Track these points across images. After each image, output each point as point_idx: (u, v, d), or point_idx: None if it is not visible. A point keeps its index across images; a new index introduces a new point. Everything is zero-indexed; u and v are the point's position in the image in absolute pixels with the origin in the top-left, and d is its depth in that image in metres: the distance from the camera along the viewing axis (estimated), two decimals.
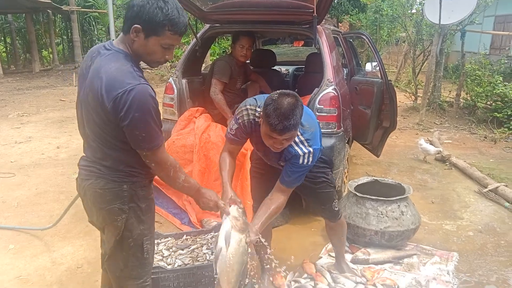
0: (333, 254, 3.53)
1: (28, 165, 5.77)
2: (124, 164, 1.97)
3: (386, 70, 4.85)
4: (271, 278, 3.01)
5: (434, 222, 4.24)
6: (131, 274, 2.09)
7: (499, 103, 8.63)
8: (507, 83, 8.76)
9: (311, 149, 2.37)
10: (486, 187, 5.01)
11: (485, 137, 7.86)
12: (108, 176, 1.96)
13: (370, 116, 4.72)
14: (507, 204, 4.60)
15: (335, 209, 2.88)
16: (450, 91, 10.31)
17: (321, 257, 3.50)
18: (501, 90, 8.59)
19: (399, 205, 3.50)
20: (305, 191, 2.83)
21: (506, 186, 4.95)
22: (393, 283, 3.00)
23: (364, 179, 3.99)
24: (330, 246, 3.69)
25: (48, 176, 5.35)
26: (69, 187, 4.82)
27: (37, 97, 11.68)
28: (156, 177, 2.19)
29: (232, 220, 2.21)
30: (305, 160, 2.38)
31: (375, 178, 4.04)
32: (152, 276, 2.55)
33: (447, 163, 6.16)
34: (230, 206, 2.28)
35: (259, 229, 2.37)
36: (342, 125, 4.09)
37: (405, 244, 3.66)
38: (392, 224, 3.44)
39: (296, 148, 2.37)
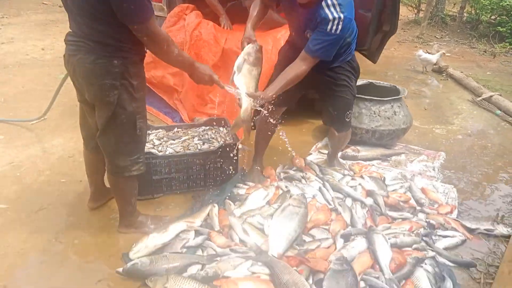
0: (323, 151, 3.60)
1: (13, 64, 5.56)
2: (113, 39, 1.88)
3: None
4: (258, 168, 3.06)
5: (425, 126, 4.27)
6: (124, 150, 2.10)
7: (504, 17, 8.31)
8: None
9: (341, 15, 2.21)
10: (480, 96, 5.00)
11: (485, 51, 7.69)
12: (98, 51, 1.89)
13: (370, 19, 4.48)
14: (498, 111, 4.62)
15: (347, 119, 2.83)
16: (454, 4, 9.86)
17: (311, 154, 3.56)
18: (508, 3, 8.20)
19: (392, 106, 3.48)
20: (324, 91, 2.76)
21: (500, 95, 4.93)
22: (379, 176, 3.09)
23: (359, 82, 3.90)
24: (320, 144, 3.75)
25: (35, 75, 5.19)
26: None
27: None
28: (146, 75, 2.16)
29: (245, 56, 2.27)
30: (334, 27, 2.22)
31: (370, 81, 3.96)
32: None
33: (444, 74, 6.07)
34: (246, 44, 2.32)
35: (276, 92, 2.35)
36: None
37: (395, 144, 3.72)
38: (383, 123, 3.44)
39: (327, 11, 2.21)
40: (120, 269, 2.07)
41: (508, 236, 2.47)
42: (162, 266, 2.06)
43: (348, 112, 2.80)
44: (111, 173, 2.20)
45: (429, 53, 6.78)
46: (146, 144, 2.79)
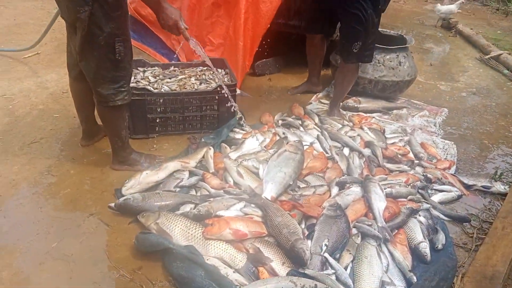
0: (323, 101, 3.51)
1: None
2: None
3: None
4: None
5: (429, 82, 4.16)
6: (106, 76, 2.02)
7: None
8: None
9: None
10: (488, 55, 4.83)
11: (497, 10, 7.37)
12: None
13: None
14: (506, 71, 4.49)
15: (354, 50, 2.77)
16: None
17: (311, 103, 3.47)
18: None
19: (397, 55, 3.34)
20: (338, 16, 2.85)
21: (510, 54, 4.77)
22: (379, 128, 3.03)
23: None
24: (321, 94, 3.65)
25: (27, 9, 4.96)
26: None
27: None
28: (143, 12, 2.05)
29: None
30: None
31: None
32: (137, 98, 2.52)
33: (453, 31, 5.85)
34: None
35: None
36: None
37: (397, 97, 3.62)
38: (387, 73, 3.33)
39: None
40: (112, 204, 2.06)
41: (504, 194, 2.46)
42: (155, 203, 2.05)
43: (356, 43, 2.76)
44: (96, 102, 2.13)
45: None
46: (141, 81, 2.72)
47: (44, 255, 1.79)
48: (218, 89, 2.65)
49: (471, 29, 5.72)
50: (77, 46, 1.96)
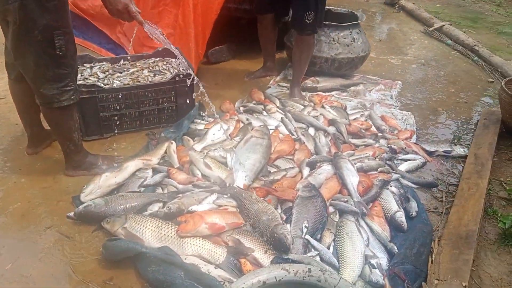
0: (282, 84, 3.46)
1: None
2: None
3: None
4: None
5: (380, 57, 4.23)
6: (47, 75, 1.81)
7: None
8: None
9: None
10: (431, 27, 5.01)
11: None
12: None
13: None
14: (449, 41, 4.67)
15: (307, 21, 2.78)
16: None
17: (270, 87, 3.41)
18: None
19: (351, 32, 3.35)
20: None
21: (451, 25, 4.97)
22: (340, 105, 3.02)
23: None
24: (278, 77, 3.60)
25: None
26: None
27: None
28: (83, 6, 1.83)
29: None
30: None
31: (328, 7, 3.77)
32: (87, 96, 2.32)
33: (396, 6, 6.01)
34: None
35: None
36: None
37: (353, 74, 3.65)
38: (343, 50, 3.33)
39: None
40: (71, 213, 1.88)
41: (464, 156, 2.54)
42: (119, 206, 1.89)
43: (308, 13, 2.76)
44: (40, 104, 1.92)
45: None
46: (89, 77, 2.51)
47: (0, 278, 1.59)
48: (176, 78, 2.51)
49: (413, 3, 5.91)
50: (10, 42, 1.75)
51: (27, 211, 1.95)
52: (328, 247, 1.77)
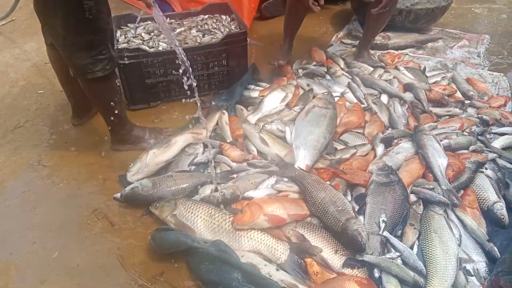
0: (345, 41, 3.03)
1: None
2: None
3: None
4: (276, 63, 2.56)
5: (462, 5, 3.60)
6: (78, 42, 1.58)
7: None
8: None
9: None
10: None
11: None
12: None
13: None
14: None
15: None
16: None
17: (332, 45, 3.00)
18: None
19: None
20: None
21: None
22: (417, 65, 2.58)
23: None
24: (341, 33, 3.16)
25: None
26: None
27: None
28: None
29: None
30: None
31: None
32: (131, 61, 2.10)
33: None
34: None
35: None
36: None
37: (429, 28, 3.12)
38: (421, 0, 2.81)
39: None
40: (118, 195, 1.71)
41: None
42: (168, 188, 1.71)
43: None
44: (73, 75, 1.71)
45: None
46: (133, 39, 2.28)
47: (45, 270, 1.47)
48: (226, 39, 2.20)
49: None
50: (36, 5, 1.53)
51: (73, 190, 1.81)
52: (412, 247, 1.47)
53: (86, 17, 1.51)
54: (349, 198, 1.67)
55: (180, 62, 1.69)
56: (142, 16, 2.44)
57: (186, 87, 1.71)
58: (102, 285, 1.44)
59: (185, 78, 1.68)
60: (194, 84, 1.70)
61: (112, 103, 1.78)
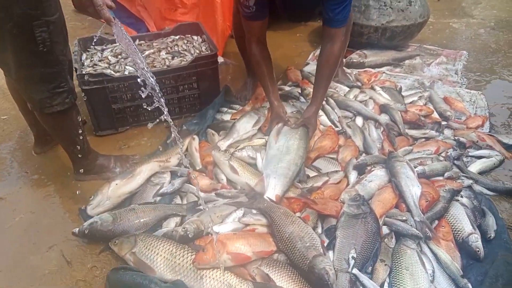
0: None
1: None
2: None
3: None
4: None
5: (440, 20, 3.61)
6: (33, 75, 1.48)
7: None
8: None
9: None
10: None
11: None
12: None
13: None
14: None
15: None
16: None
17: (308, 63, 2.95)
18: None
19: None
20: None
21: None
22: (393, 85, 2.54)
23: None
24: (318, 51, 3.11)
25: None
26: None
27: None
28: None
29: None
30: None
31: None
32: (96, 86, 2.01)
33: None
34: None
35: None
36: None
37: (407, 45, 3.10)
38: (396, 17, 2.79)
39: None
40: (77, 230, 1.61)
41: None
42: (129, 223, 1.61)
43: None
44: (30, 108, 1.61)
45: None
46: (99, 63, 2.20)
47: None
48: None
49: None
50: None
51: (30, 224, 1.71)
52: (382, 285, 1.40)
53: (40, 50, 1.42)
54: (320, 230, 1.60)
55: (142, 83, 1.58)
56: (102, 35, 2.36)
57: (151, 108, 1.59)
58: None
59: (154, 99, 1.57)
60: (163, 100, 1.57)
61: (72, 135, 1.69)
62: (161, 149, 2.05)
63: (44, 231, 1.68)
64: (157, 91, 1.54)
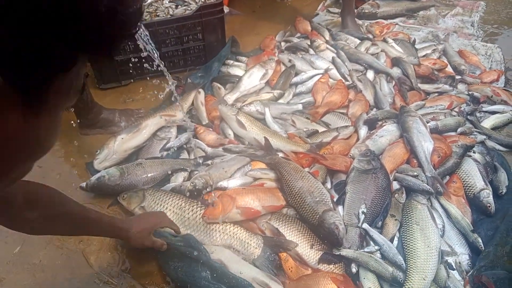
0: (332, 9, 2.85)
1: None
2: None
3: None
4: None
5: None
6: None
7: None
8: None
9: None
10: None
11: None
12: None
13: None
14: None
15: None
16: None
17: (318, 14, 2.82)
18: None
19: None
20: None
21: None
22: (406, 37, 2.43)
23: None
24: (328, 1, 2.97)
25: None
26: None
27: None
28: None
29: None
30: None
31: None
32: None
33: None
34: None
35: None
36: None
37: None
38: None
39: None
40: (84, 184, 1.61)
41: None
42: (137, 177, 1.60)
43: None
44: None
45: None
46: None
47: (5, 267, 1.39)
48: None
49: None
50: None
51: (37, 179, 1.69)
52: (392, 240, 1.40)
53: None
54: (329, 185, 1.59)
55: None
56: None
57: (150, 67, 1.53)
58: (65, 282, 1.36)
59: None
60: (162, 65, 1.51)
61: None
62: (166, 104, 2.00)
63: (51, 186, 1.67)
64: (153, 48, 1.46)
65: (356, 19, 2.61)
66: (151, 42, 1.30)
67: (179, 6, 2.16)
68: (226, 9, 2.48)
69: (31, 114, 0.44)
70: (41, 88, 0.43)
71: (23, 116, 0.43)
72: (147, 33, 1.29)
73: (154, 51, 1.41)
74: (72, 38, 0.43)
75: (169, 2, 2.19)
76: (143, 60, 2.07)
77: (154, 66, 1.53)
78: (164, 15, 2.09)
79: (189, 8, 2.12)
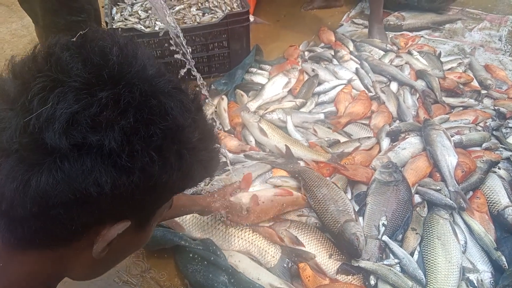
0: (357, 20, 2.85)
1: None
2: None
3: None
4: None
5: None
6: (58, 23, 1.49)
7: None
8: None
9: None
10: None
11: None
12: None
13: None
14: None
15: None
16: None
17: (342, 25, 2.82)
18: None
19: None
20: None
21: None
22: (432, 50, 2.41)
23: None
24: (353, 12, 2.97)
25: None
26: None
27: None
28: None
29: None
30: None
31: None
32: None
33: None
34: None
35: None
36: None
37: (448, 7, 2.91)
38: None
39: None
40: None
41: None
42: None
43: None
44: None
45: None
46: (129, 18, 2.17)
47: None
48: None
49: None
50: None
51: None
52: (412, 254, 1.38)
53: None
54: (349, 196, 1.58)
55: (174, 45, 1.57)
56: None
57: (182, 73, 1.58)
58: (84, 283, 1.39)
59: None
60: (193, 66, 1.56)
61: None
62: None
63: None
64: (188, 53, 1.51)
65: None
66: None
67: (206, 14, 2.20)
68: (251, 18, 2.52)
69: (141, 229, 0.63)
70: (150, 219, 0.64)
71: (135, 232, 0.62)
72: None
73: (189, 57, 1.48)
74: (178, 189, 0.63)
75: (196, 10, 2.24)
76: (169, 66, 2.14)
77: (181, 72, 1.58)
78: (191, 22, 2.14)
79: (216, 16, 2.17)
